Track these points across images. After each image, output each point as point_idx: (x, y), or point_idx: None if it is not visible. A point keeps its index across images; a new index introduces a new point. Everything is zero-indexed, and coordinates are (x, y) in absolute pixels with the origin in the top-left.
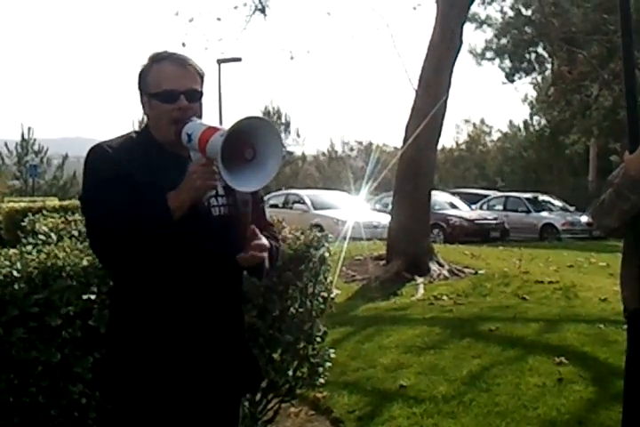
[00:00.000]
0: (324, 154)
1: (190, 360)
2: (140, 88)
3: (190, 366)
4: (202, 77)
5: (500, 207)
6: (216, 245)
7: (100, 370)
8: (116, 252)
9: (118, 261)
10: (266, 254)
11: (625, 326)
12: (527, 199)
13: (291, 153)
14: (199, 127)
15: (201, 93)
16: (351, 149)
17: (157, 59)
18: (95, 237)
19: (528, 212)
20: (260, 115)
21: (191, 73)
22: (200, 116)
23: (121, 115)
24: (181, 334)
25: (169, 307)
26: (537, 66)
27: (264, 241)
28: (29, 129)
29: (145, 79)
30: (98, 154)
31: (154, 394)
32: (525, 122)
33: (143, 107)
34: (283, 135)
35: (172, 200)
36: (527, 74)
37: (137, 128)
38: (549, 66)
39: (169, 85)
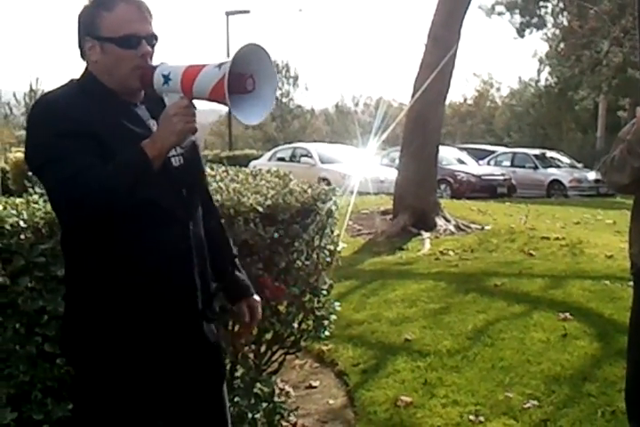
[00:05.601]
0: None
1: (158, 324)
2: (82, 31)
3: (159, 328)
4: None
5: (508, 163)
6: (178, 197)
7: (65, 337)
8: (94, 213)
9: (94, 223)
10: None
11: (630, 283)
12: (535, 155)
13: (299, 106)
14: (177, 67)
15: (157, 39)
16: (356, 104)
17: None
18: (67, 201)
19: (535, 168)
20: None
21: (147, 17)
22: None
23: None
24: (146, 294)
25: (132, 264)
26: (547, 21)
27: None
28: (37, 80)
29: (94, 21)
30: (49, 108)
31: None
32: (535, 78)
33: (87, 51)
34: (291, 89)
35: (150, 149)
36: (538, 29)
37: None
38: (560, 21)
39: (129, 30)
